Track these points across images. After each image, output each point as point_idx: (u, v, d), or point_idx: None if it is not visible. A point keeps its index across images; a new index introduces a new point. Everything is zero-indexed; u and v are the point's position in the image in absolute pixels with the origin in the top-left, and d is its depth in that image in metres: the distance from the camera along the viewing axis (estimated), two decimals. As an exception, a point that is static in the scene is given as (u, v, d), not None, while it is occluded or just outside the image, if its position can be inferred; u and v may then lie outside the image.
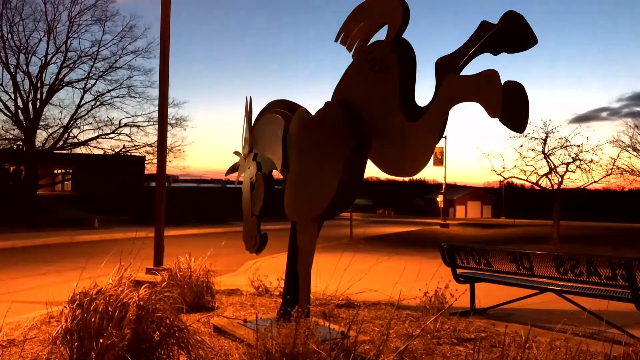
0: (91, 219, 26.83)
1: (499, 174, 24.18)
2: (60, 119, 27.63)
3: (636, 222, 44.40)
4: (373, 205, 77.54)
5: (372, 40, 4.71)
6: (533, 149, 23.15)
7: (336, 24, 5.16)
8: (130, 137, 27.68)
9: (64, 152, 28.65)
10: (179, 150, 28.61)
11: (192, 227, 26.85)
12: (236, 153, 6.52)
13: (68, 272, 10.69)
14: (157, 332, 4.31)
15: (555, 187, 23.13)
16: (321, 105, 5.03)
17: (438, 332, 5.54)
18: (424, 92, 4.27)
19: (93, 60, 26.69)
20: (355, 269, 8.05)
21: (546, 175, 23.08)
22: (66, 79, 26.48)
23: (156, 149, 10.66)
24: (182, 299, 5.07)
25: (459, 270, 7.47)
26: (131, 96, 27.64)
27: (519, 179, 24.64)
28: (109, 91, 27.30)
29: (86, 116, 27.07)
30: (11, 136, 26.37)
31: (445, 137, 37.46)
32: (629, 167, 24.82)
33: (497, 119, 3.60)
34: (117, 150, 27.83)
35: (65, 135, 26.46)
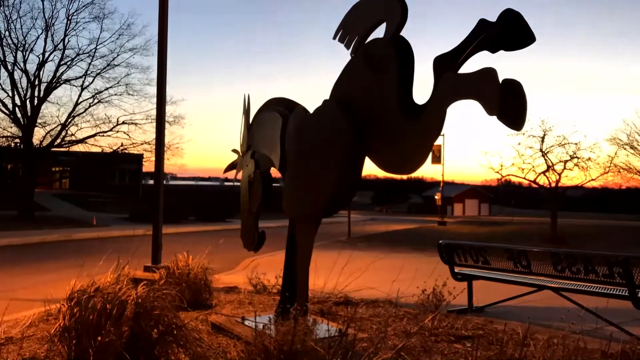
0: (89, 217, 26.81)
1: (497, 172, 24.24)
2: (58, 117, 27.51)
3: (633, 219, 44.51)
4: (371, 203, 77.57)
5: (370, 38, 4.71)
6: (531, 147, 23.22)
7: (336, 20, 5.15)
8: (128, 134, 27.52)
9: (62, 149, 28.53)
10: (177, 148, 28.52)
11: (190, 224, 26.85)
12: (234, 151, 6.52)
13: (66, 270, 10.67)
14: (155, 330, 4.31)
15: (553, 185, 23.19)
16: (319, 103, 5.03)
17: (436, 330, 5.55)
18: (422, 90, 4.27)
19: (91, 57, 26.53)
20: (353, 266, 8.06)
21: (544, 173, 23.14)
22: (64, 76, 26.33)
23: (154, 147, 10.63)
24: (180, 296, 5.08)
25: (456, 268, 7.48)
26: (129, 94, 27.50)
27: (516, 176, 24.71)
28: (106, 89, 27.14)
29: (84, 114, 26.90)
30: (9, 134, 26.26)
31: (443, 135, 37.45)
32: (626, 165, 24.90)
33: (495, 117, 3.60)
34: (114, 148, 27.70)
35: (63, 133, 26.30)
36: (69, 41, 26.41)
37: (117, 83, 27.23)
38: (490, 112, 3.62)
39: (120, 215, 30.11)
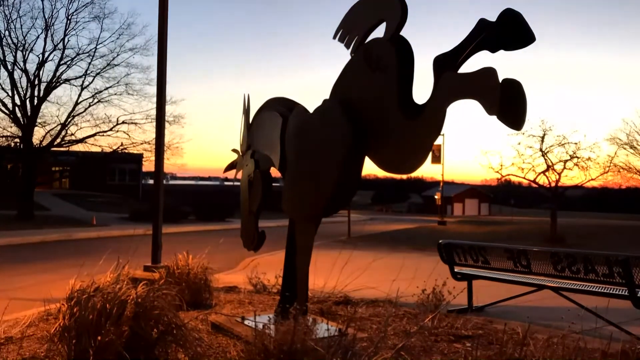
0: (89, 217, 26.81)
1: (497, 172, 24.26)
2: (57, 117, 27.55)
3: (633, 219, 44.51)
4: (371, 202, 77.57)
5: (370, 37, 4.71)
6: (531, 147, 23.24)
7: (336, 19, 5.16)
8: (127, 134, 27.54)
9: (62, 149, 28.55)
10: (177, 147, 28.53)
11: (190, 224, 26.86)
12: (234, 150, 6.52)
13: (66, 270, 10.67)
14: (155, 330, 4.31)
15: (553, 184, 23.21)
16: (319, 103, 5.03)
17: (435, 330, 5.55)
18: (422, 90, 4.27)
19: (91, 57, 26.55)
20: (353, 266, 8.05)
21: (544, 172, 23.15)
22: (64, 76, 26.34)
23: (154, 147, 10.64)
24: (180, 296, 5.07)
25: (456, 268, 7.48)
26: (129, 93, 27.52)
27: (516, 176, 24.72)
28: (106, 88, 27.16)
29: (84, 113, 26.91)
30: (9, 134, 26.26)
31: (443, 134, 37.48)
32: (626, 165, 24.92)
33: (495, 117, 3.60)
34: (114, 147, 27.70)
35: (63, 133, 26.32)
36: (68, 41, 26.47)
37: (117, 83, 27.27)
38: (490, 111, 3.62)
39: (120, 214, 30.12)
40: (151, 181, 35.61)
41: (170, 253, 7.59)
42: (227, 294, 7.72)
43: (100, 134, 27.02)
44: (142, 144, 27.67)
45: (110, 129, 27.14)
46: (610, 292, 6.08)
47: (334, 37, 5.05)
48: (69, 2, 26.21)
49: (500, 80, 3.56)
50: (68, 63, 26.22)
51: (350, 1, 4.95)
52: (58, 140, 26.23)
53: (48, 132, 26.40)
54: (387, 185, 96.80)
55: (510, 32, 3.62)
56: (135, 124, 27.43)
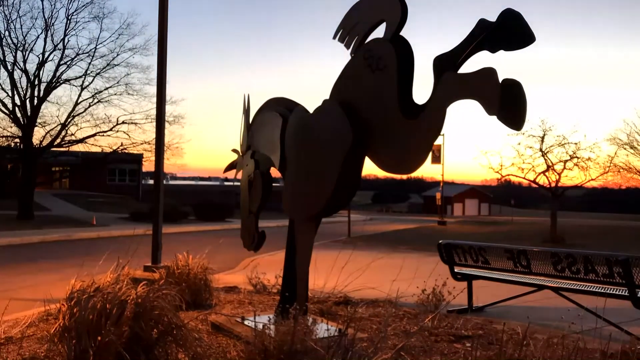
0: (89, 217, 26.81)
1: (497, 172, 24.27)
2: (57, 117, 27.55)
3: (633, 219, 44.53)
4: (371, 202, 77.58)
5: (370, 37, 4.71)
6: (531, 147, 23.25)
7: (336, 19, 5.16)
8: (127, 134, 27.52)
9: (62, 149, 28.54)
10: (177, 147, 28.52)
11: (190, 224, 26.86)
12: (234, 151, 6.52)
13: (66, 270, 10.67)
14: (155, 330, 4.31)
15: (553, 184, 23.22)
16: (319, 103, 5.03)
17: (435, 330, 5.55)
18: (422, 90, 4.28)
19: (90, 57, 26.52)
20: (353, 266, 8.04)
21: (544, 172, 23.16)
22: (64, 76, 26.32)
23: (154, 147, 10.65)
24: (180, 296, 5.07)
25: (456, 268, 7.48)
26: (129, 94, 27.48)
27: (516, 176, 24.73)
28: (106, 89, 27.12)
29: (84, 114, 26.90)
30: (9, 134, 26.25)
31: (443, 134, 37.48)
32: (626, 165, 24.92)
33: (495, 117, 3.60)
34: (114, 147, 27.69)
35: (63, 133, 26.31)
36: (68, 41, 26.45)
37: (117, 83, 27.24)
38: (490, 112, 3.63)
39: (120, 215, 30.13)
40: (151, 181, 35.63)
41: (170, 253, 7.59)
42: (227, 294, 7.72)
43: (100, 134, 27.00)
44: (142, 144, 27.66)
45: (110, 129, 27.12)
46: (610, 292, 6.08)
47: (334, 37, 5.05)
48: (69, 2, 26.24)
49: (500, 81, 3.56)
50: (68, 63, 26.22)
51: (350, 1, 4.95)
52: (58, 140, 26.22)
53: (48, 132, 26.40)
54: (387, 185, 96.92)
55: (510, 32, 3.62)
56: (135, 124, 27.43)
